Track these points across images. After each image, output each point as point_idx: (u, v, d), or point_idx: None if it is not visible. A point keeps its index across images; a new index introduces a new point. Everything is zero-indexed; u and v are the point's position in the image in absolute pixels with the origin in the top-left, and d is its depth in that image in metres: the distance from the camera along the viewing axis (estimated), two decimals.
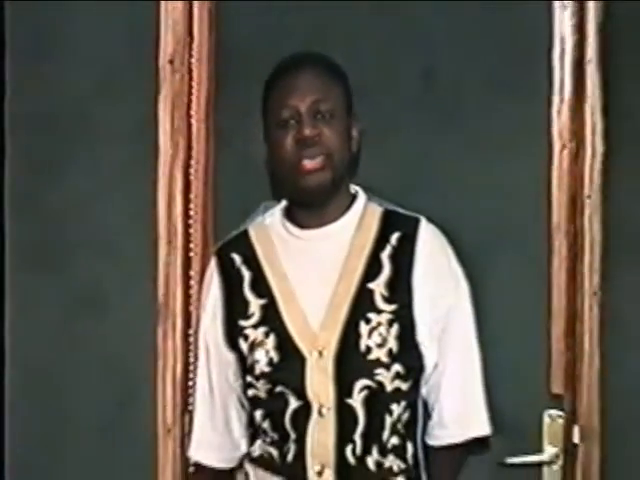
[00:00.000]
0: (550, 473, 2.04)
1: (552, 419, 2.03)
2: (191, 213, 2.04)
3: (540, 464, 2.06)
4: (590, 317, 1.98)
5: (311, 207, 1.92)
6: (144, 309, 2.08)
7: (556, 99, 1.97)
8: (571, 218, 2.02)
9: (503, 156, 2.00)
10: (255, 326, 1.93)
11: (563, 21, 1.95)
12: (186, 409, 2.06)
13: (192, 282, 2.05)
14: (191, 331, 2.05)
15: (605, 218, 1.99)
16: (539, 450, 2.05)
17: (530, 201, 2.00)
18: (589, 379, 2.00)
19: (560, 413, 2.06)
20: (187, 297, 2.06)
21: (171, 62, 1.98)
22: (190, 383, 2.05)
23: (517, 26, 1.99)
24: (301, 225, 1.92)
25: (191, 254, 2.06)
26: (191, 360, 2.04)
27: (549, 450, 2.03)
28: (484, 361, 1.90)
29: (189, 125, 2.01)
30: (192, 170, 2.00)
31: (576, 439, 2.05)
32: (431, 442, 1.97)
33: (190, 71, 1.99)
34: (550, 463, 2.04)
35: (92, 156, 2.06)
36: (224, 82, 2.10)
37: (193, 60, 1.99)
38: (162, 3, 1.98)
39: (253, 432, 1.99)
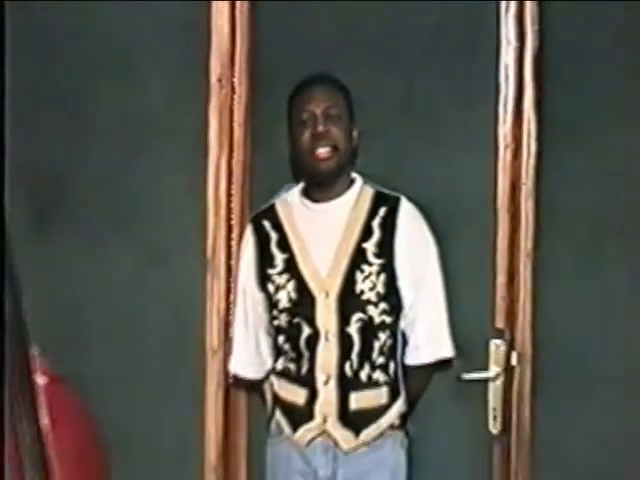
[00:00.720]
0: (494, 387, 2.59)
1: (496, 347, 2.58)
2: (232, 192, 2.61)
3: (487, 380, 2.60)
4: (524, 272, 2.56)
5: (321, 186, 2.41)
6: (197, 263, 2.63)
7: (501, 111, 2.54)
8: (512, 200, 2.58)
9: (461, 153, 2.56)
10: (279, 274, 2.43)
11: (508, 53, 2.52)
12: (227, 336, 2.60)
13: (232, 243, 2.62)
14: (232, 279, 2.60)
15: (537, 200, 2.56)
16: (486, 369, 2.59)
17: (481, 187, 2.56)
18: (523, 317, 2.58)
19: (502, 342, 2.60)
20: (229, 254, 2.63)
21: (219, 81, 2.57)
22: (230, 317, 2.59)
23: (475, 58, 2.56)
24: (314, 200, 2.42)
25: (232, 222, 2.63)
26: (231, 300, 2.58)
27: (494, 369, 2.59)
28: (448, 303, 2.42)
29: (231, 128, 2.59)
30: (233, 161, 2.59)
31: (514, 362, 2.60)
32: (408, 362, 2.45)
33: (232, 88, 2.58)
34: (494, 379, 2.59)
35: (161, 151, 2.62)
36: (258, 95, 2.64)
37: (235, 80, 2.58)
38: (213, 37, 2.56)
39: (276, 352, 2.47)
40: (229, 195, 2.64)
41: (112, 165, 2.65)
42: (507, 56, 2.54)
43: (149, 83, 2.61)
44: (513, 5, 2.51)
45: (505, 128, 2.57)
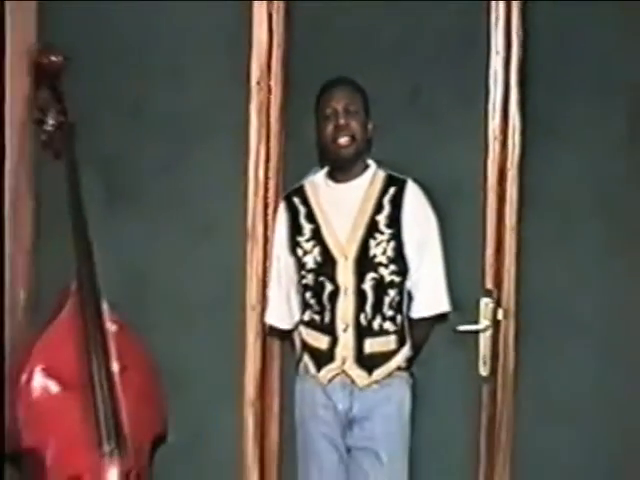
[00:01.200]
0: (484, 337, 3.02)
1: (486, 304, 3.01)
2: (269, 176, 3.03)
3: (477, 331, 3.02)
4: (510, 243, 3.02)
5: (342, 169, 2.80)
6: (240, 234, 3.04)
7: (490, 110, 3.01)
8: (499, 183, 3.03)
9: (458, 144, 3.00)
10: (307, 241, 2.81)
11: (496, 62, 2.99)
12: (264, 294, 3.01)
13: (269, 218, 3.02)
14: (268, 247, 3.01)
15: (520, 183, 3.01)
16: (477, 323, 3.02)
17: (475, 173, 3.01)
18: (508, 280, 3.04)
19: (490, 300, 3.02)
20: (266, 227, 3.03)
21: (258, 83, 3.00)
22: (267, 279, 2.99)
23: (469, 65, 3.02)
24: (336, 180, 2.81)
25: (268, 201, 3.04)
26: (268, 265, 3.00)
27: (483, 323, 3.02)
28: (445, 268, 2.83)
29: (268, 122, 3.02)
30: (270, 150, 3.02)
31: (500, 317, 3.03)
32: (413, 315, 2.84)
33: (269, 89, 3.01)
34: (484, 331, 3.02)
35: (210, 142, 3.02)
36: (290, 94, 3.05)
37: (271, 82, 3.01)
38: (254, 48, 2.99)
39: (304, 306, 2.86)
40: (266, 178, 3.05)
41: (170, 155, 3.05)
42: (496, 64, 3.02)
43: (200, 87, 3.05)
44: (501, 20, 2.98)
45: (494, 124, 3.03)
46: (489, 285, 3.07)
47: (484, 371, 3.06)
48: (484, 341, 3.05)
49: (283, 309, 2.96)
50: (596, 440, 3.07)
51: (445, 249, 2.86)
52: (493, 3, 3.01)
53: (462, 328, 3.04)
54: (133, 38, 3.00)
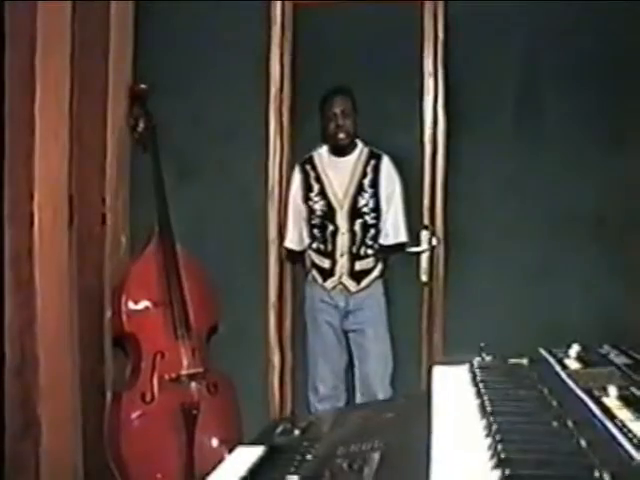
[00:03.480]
0: (424, 257, 4.25)
1: (424, 235, 4.25)
2: (284, 156, 4.33)
3: (420, 252, 4.24)
4: (440, 195, 4.27)
5: (339, 150, 3.90)
6: (263, 196, 4.30)
7: (426, 108, 4.33)
8: (432, 157, 4.29)
9: (407, 131, 4.26)
10: (315, 195, 3.94)
11: (429, 78, 4.32)
12: (280, 232, 4.23)
13: (283, 182, 4.29)
14: (281, 203, 4.25)
15: (447, 161, 4.27)
16: (419, 246, 4.25)
17: (418, 151, 4.27)
18: (440, 218, 4.28)
19: (428, 232, 4.23)
20: (280, 190, 4.30)
21: (275, 91, 4.34)
22: (281, 222, 4.21)
23: (410, 82, 4.24)
24: (335, 155, 3.93)
25: (283, 173, 4.30)
26: (281, 214, 4.23)
27: (424, 247, 4.25)
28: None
29: (281, 121, 4.34)
30: (284, 141, 4.33)
31: (434, 243, 4.25)
32: (382, 242, 3.95)
33: (281, 96, 4.36)
34: (424, 252, 4.25)
35: (244, 138, 4.28)
36: (298, 101, 4.30)
37: (284, 92, 4.33)
38: (271, 73, 4.31)
39: (312, 238, 3.97)
40: (281, 158, 4.33)
41: (218, 146, 4.36)
42: (428, 79, 4.32)
43: (236, 101, 4.33)
44: (431, 52, 4.33)
45: (429, 118, 4.32)
46: (426, 222, 4.29)
47: (425, 278, 4.29)
48: (424, 259, 4.28)
49: (297, 236, 4.06)
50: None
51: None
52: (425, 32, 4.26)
53: (410, 250, 4.24)
54: (194, 70, 4.38)
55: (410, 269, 4.32)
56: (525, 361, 2.13)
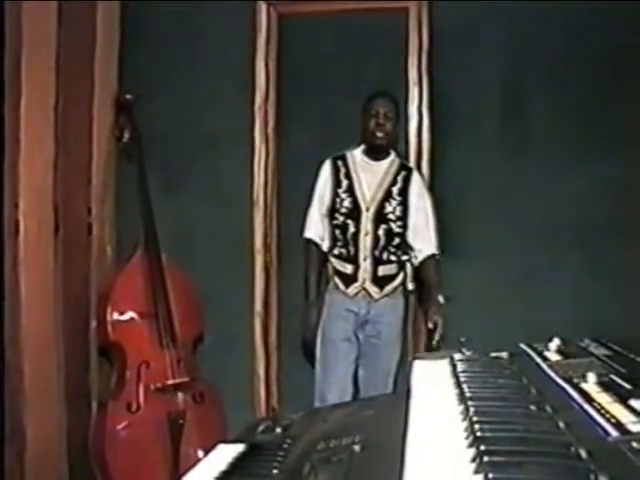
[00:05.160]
0: (409, 265, 4.51)
1: None
2: (268, 164, 4.41)
3: (406, 260, 4.31)
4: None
5: (374, 153, 3.78)
6: (248, 204, 4.34)
7: (412, 113, 4.38)
8: (418, 152, 4.30)
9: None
10: (343, 192, 3.74)
11: (414, 87, 4.36)
12: (266, 243, 4.30)
13: (268, 190, 4.36)
14: (267, 212, 4.34)
15: (432, 154, 4.31)
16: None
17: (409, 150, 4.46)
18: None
19: None
20: (265, 199, 4.37)
21: (260, 95, 4.38)
22: (267, 233, 4.30)
23: (398, 88, 4.25)
24: (368, 158, 3.81)
25: (268, 178, 4.36)
26: (267, 223, 4.31)
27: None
28: None
29: (266, 122, 4.40)
30: (269, 150, 4.40)
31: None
32: (415, 263, 3.85)
33: (267, 99, 4.40)
34: (409, 260, 4.45)
35: (230, 147, 4.32)
36: (282, 103, 4.36)
37: (269, 96, 4.38)
38: (257, 86, 4.38)
39: (333, 242, 3.79)
40: (266, 166, 4.40)
41: (203, 156, 4.40)
42: (413, 88, 4.37)
43: (222, 112, 4.40)
44: (415, 61, 4.38)
45: (414, 127, 4.35)
46: None
47: (411, 287, 4.23)
48: (409, 268, 4.25)
49: (318, 229, 3.90)
50: None
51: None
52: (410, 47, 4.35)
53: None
54: (179, 80, 4.44)
55: None
56: (505, 355, 2.12)
